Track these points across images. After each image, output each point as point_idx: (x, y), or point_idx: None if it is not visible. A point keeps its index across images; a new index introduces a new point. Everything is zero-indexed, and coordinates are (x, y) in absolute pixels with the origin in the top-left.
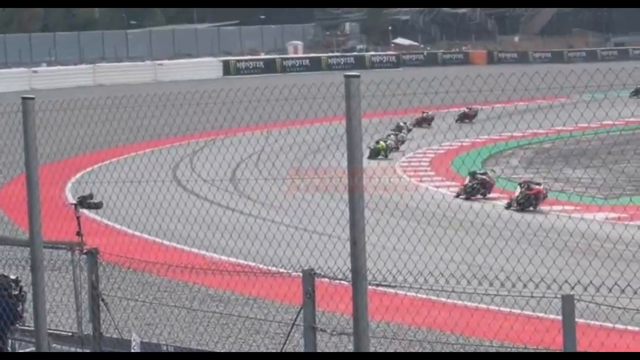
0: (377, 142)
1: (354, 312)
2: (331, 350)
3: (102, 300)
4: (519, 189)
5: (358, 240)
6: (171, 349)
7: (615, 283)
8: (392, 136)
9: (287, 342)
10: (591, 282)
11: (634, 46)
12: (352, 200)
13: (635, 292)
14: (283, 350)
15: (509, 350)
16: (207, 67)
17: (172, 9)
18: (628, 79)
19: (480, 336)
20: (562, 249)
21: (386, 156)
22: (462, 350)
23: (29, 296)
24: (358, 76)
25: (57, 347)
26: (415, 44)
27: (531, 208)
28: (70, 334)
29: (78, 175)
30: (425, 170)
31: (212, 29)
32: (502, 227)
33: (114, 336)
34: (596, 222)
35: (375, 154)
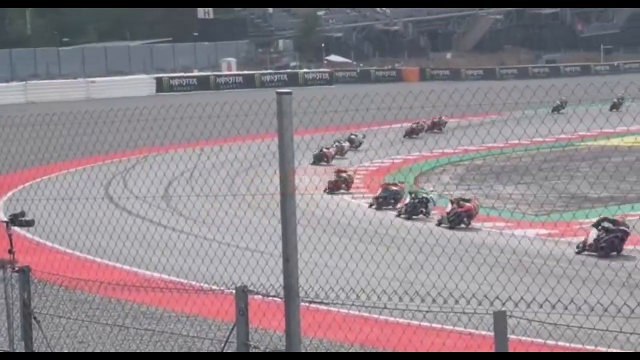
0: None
1: (286, 329)
2: None
3: (34, 318)
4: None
5: (290, 256)
6: None
7: (546, 299)
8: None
9: None
10: (522, 298)
11: (565, 63)
12: (284, 216)
13: (566, 308)
14: None
15: None
16: (140, 84)
17: (105, 26)
18: (558, 95)
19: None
20: (493, 265)
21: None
22: None
23: None
24: (290, 93)
25: None
26: (348, 61)
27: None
28: (1, 352)
29: (10, 193)
30: (357, 187)
31: (145, 46)
32: (434, 244)
33: None
34: (527, 239)
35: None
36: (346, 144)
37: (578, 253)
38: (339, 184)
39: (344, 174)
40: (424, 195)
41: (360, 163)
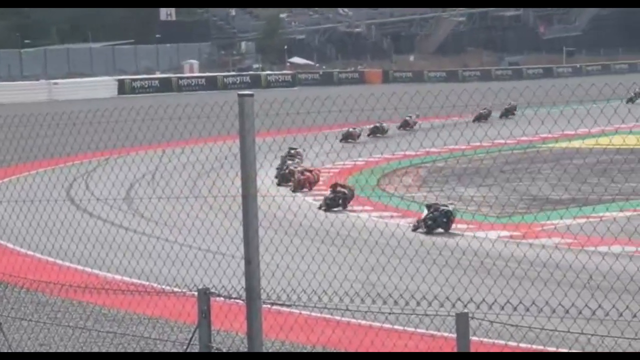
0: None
1: (248, 331)
2: None
3: None
4: (426, 211)
5: (252, 258)
6: None
7: (508, 301)
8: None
9: None
10: (484, 299)
11: (527, 65)
12: (245, 218)
13: (528, 310)
14: None
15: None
16: (102, 86)
17: (67, 27)
18: (519, 98)
19: (374, 352)
20: (455, 267)
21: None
22: None
23: None
24: (251, 95)
25: None
26: (311, 63)
27: (440, 230)
28: None
29: None
30: (319, 189)
31: (107, 48)
32: (395, 245)
33: None
34: (489, 240)
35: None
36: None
37: (413, 230)
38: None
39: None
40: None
41: (322, 165)
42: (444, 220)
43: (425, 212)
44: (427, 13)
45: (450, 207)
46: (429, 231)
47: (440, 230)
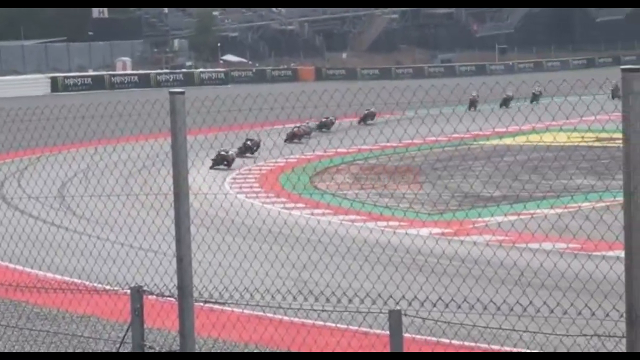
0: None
1: (180, 329)
2: None
3: None
4: None
5: (184, 256)
6: None
7: (440, 298)
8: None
9: None
10: (416, 296)
11: (460, 63)
12: (177, 216)
13: (459, 307)
14: None
15: None
16: (35, 83)
17: None
18: (450, 95)
19: (306, 352)
20: (386, 264)
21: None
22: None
23: None
24: (182, 92)
25: None
26: (244, 60)
27: None
28: None
29: None
30: (251, 187)
31: (40, 45)
32: (328, 242)
33: None
34: (421, 238)
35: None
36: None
37: None
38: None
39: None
40: None
41: (254, 163)
42: None
43: None
44: (360, 11)
45: None
46: None
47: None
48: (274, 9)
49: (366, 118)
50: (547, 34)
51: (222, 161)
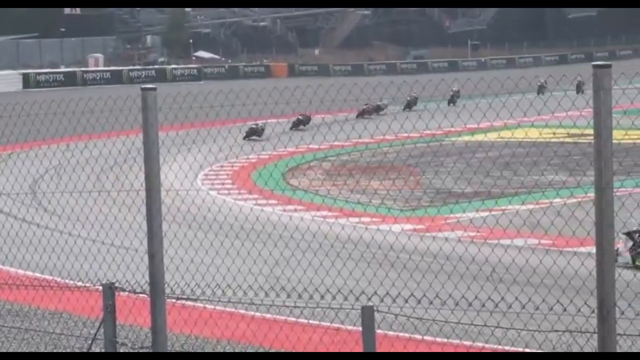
0: None
1: (152, 325)
2: None
3: None
4: (630, 241)
5: (156, 253)
6: None
7: (412, 294)
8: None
9: None
10: (388, 292)
11: (432, 59)
12: (149, 213)
13: (431, 303)
14: None
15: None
16: (6, 80)
17: None
18: (422, 91)
19: (278, 347)
20: (358, 260)
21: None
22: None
23: None
24: (154, 89)
25: None
26: (217, 57)
27: None
28: None
29: None
30: (223, 183)
31: (11, 41)
32: (300, 239)
33: None
34: (392, 234)
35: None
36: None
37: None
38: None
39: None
40: None
41: (226, 159)
42: None
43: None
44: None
45: None
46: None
47: None
48: None
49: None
50: (519, 31)
51: (253, 133)
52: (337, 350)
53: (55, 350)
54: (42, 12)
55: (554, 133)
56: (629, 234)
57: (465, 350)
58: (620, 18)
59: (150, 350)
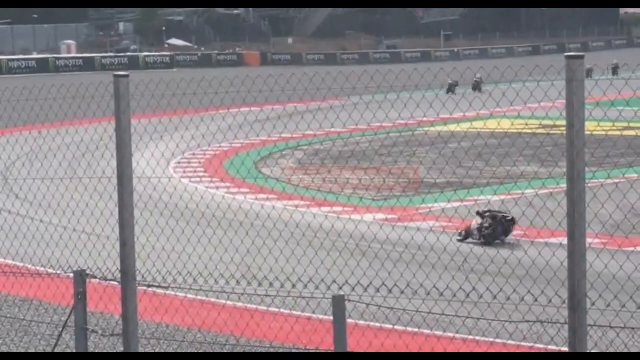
0: None
1: (123, 313)
2: (104, 351)
3: None
4: (479, 219)
5: (127, 240)
6: None
7: (383, 283)
8: None
9: (58, 343)
10: (359, 282)
11: (405, 49)
12: (121, 200)
13: (403, 292)
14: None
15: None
16: None
17: None
18: (395, 81)
19: (250, 336)
20: (330, 250)
21: None
22: (233, 351)
23: None
24: (127, 76)
25: None
26: (190, 44)
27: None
28: None
29: None
30: (195, 171)
31: None
32: (271, 227)
33: None
34: (364, 223)
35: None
36: None
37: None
38: None
39: None
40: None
41: (198, 147)
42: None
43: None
44: None
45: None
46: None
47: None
48: None
49: None
50: (492, 21)
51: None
52: (307, 339)
53: (25, 337)
54: None
55: (526, 124)
56: (479, 214)
57: (436, 341)
58: (592, 10)
59: (121, 337)
